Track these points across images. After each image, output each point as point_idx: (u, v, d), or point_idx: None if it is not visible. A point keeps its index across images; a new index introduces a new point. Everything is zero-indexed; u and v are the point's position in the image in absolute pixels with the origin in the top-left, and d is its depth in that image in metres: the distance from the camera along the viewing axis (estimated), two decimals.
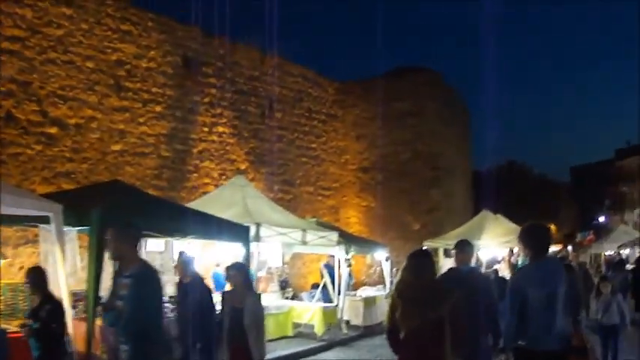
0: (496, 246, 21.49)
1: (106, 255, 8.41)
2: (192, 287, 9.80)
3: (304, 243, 17.21)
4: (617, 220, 71.92)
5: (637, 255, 36.96)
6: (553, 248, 53.72)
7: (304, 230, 17.07)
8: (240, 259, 13.19)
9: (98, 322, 10.00)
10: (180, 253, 11.04)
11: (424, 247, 22.48)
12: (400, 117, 31.58)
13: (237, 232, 13.32)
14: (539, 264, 6.93)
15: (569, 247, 60.34)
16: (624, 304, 12.62)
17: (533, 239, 7.05)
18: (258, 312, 9.05)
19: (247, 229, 13.83)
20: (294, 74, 30.12)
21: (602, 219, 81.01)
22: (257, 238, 15.06)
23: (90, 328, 9.63)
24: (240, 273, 9.11)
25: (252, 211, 16.10)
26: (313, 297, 20.85)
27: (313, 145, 30.94)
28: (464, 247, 8.80)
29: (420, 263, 6.68)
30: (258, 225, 15.15)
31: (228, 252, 15.26)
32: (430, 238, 24.60)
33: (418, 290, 6.47)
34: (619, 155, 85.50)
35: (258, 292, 19.35)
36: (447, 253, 23.47)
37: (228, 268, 9.28)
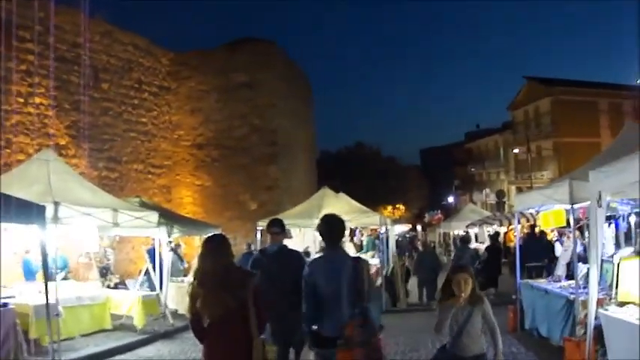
0: None
1: None
2: None
3: (116, 224, 15.14)
4: (465, 199, 73.64)
5: (486, 234, 37.46)
6: (402, 228, 54.12)
7: (115, 210, 14.97)
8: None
9: None
10: None
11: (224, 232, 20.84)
12: (236, 90, 30.05)
13: (30, 212, 10.99)
14: (330, 256, 7.14)
15: (419, 227, 61.18)
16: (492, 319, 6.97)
17: (326, 230, 7.19)
18: None
19: (43, 208, 11.55)
20: (124, 42, 27.81)
21: (450, 199, 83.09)
22: (55, 219, 12.87)
23: None
24: None
25: (55, 189, 13.89)
26: (141, 285, 18.70)
27: (143, 120, 28.78)
28: (271, 227, 8.60)
29: (215, 249, 6.49)
30: (56, 204, 12.96)
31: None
32: (268, 217, 22.77)
33: (217, 277, 6.25)
34: (469, 138, 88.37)
35: (75, 280, 17.48)
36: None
37: None
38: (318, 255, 8.34)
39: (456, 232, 39.84)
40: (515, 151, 62.48)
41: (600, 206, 8.52)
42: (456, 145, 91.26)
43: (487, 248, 25.44)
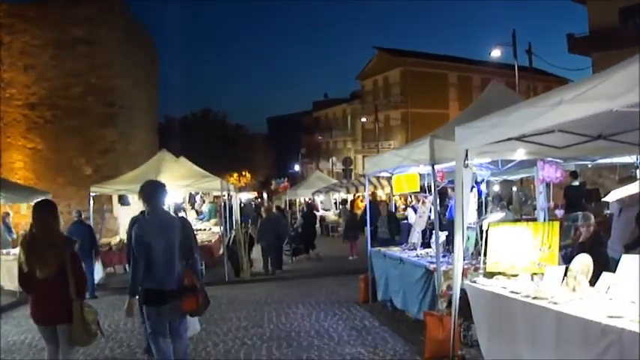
0: (175, 189, 18.72)
1: None
2: None
3: None
4: (311, 168, 73.90)
5: (332, 201, 37.47)
6: (248, 195, 53.62)
7: None
8: None
9: None
10: None
11: (47, 198, 19.24)
12: (73, 45, 27.80)
13: None
14: (157, 216, 7.58)
15: (265, 195, 60.66)
16: None
17: (149, 195, 7.62)
18: None
19: None
20: None
21: (297, 167, 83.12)
22: None
23: None
24: None
25: None
26: None
27: None
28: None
29: (40, 216, 7.18)
30: None
31: None
32: (103, 182, 21.06)
33: (42, 240, 6.95)
34: (317, 107, 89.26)
35: None
36: (122, 200, 20.48)
37: None
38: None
39: (302, 199, 39.88)
40: (363, 120, 63.25)
41: (466, 166, 7.70)
42: (304, 114, 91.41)
43: (302, 214, 27.03)
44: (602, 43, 32.96)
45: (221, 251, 20.60)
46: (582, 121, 5.71)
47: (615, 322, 5.03)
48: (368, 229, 14.78)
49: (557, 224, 7.59)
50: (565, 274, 6.66)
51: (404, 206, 24.17)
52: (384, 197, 30.87)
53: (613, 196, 8.25)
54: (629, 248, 9.07)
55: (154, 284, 7.26)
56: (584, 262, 6.64)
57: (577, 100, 5.09)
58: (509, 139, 7.48)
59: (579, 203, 16.36)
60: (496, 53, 31.95)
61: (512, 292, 6.76)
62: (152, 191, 7.66)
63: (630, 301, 5.62)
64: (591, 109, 4.97)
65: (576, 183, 17.33)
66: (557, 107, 5.39)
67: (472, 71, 59.09)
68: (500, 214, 9.81)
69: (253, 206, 41.49)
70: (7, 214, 19.28)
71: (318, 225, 35.11)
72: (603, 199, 9.05)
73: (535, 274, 7.19)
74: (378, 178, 26.69)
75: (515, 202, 19.89)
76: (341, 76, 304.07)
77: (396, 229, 17.95)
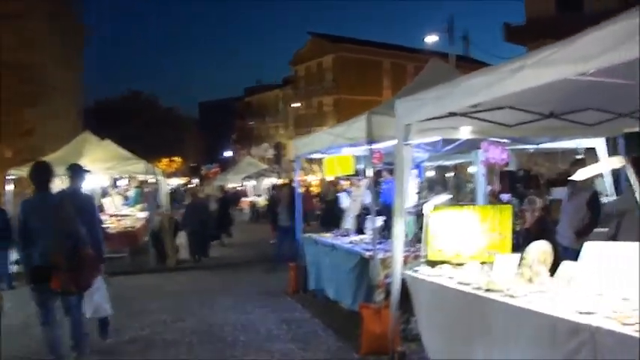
0: (98, 171, 17.83)
1: None
2: None
3: None
4: (243, 153, 73.37)
5: (263, 187, 37.16)
6: (179, 181, 52.86)
7: None
8: None
9: None
10: None
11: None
12: None
13: None
14: (40, 197, 7.87)
15: (195, 180, 59.94)
16: None
17: (36, 176, 7.97)
18: None
19: None
20: None
21: (228, 153, 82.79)
22: None
23: None
24: None
25: None
26: None
27: None
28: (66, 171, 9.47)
29: None
30: None
31: None
32: (24, 165, 19.93)
33: None
34: (249, 93, 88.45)
35: None
36: None
37: None
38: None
39: (232, 186, 39.68)
40: (295, 105, 62.96)
41: (407, 144, 6.99)
42: (237, 100, 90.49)
43: (219, 200, 26.83)
44: (539, 32, 32.72)
45: (146, 238, 19.67)
46: (535, 97, 5.46)
47: (587, 319, 4.36)
48: (299, 214, 14.00)
49: (509, 208, 6.98)
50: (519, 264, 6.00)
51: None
52: (316, 182, 30.29)
53: (581, 175, 7.77)
54: (581, 234, 8.64)
55: (33, 261, 7.58)
56: (541, 249, 5.96)
57: (542, 64, 4.47)
58: (454, 115, 6.86)
59: (514, 188, 16.01)
60: (431, 39, 31.63)
61: (460, 282, 6.06)
62: (35, 174, 7.99)
63: (597, 293, 5.01)
64: (559, 74, 4.36)
65: (512, 168, 16.99)
66: (517, 73, 4.75)
67: (406, 59, 59.09)
68: (445, 197, 9.15)
69: (183, 191, 40.88)
70: None
71: (248, 211, 34.89)
72: (570, 178, 8.51)
73: (484, 262, 6.54)
74: (310, 162, 26.01)
75: (452, 187, 19.41)
76: (274, 61, 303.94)
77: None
